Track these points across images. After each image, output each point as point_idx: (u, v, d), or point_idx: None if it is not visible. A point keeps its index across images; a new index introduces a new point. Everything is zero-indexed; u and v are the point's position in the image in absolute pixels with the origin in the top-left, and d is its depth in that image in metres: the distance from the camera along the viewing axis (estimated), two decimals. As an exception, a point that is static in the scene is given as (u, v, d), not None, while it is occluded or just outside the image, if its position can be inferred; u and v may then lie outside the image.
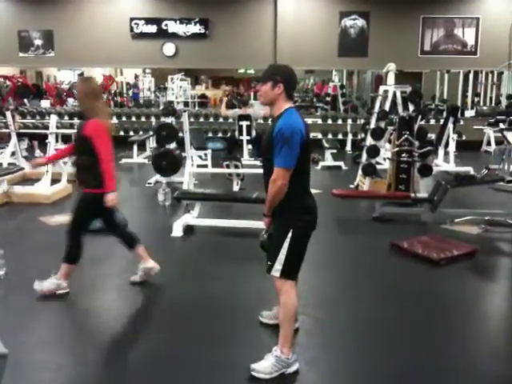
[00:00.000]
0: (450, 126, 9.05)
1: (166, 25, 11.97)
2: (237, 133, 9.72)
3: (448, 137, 9.10)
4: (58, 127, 8.56)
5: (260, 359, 2.74)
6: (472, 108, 12.99)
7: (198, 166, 8.53)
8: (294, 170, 2.58)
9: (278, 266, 2.67)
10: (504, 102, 13.46)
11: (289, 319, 2.73)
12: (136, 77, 15.58)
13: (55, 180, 6.85)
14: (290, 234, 2.64)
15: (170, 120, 8.25)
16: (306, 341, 3.13)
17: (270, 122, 6.79)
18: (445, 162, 9.11)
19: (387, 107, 7.05)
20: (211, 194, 5.71)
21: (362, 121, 9.86)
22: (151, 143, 10.55)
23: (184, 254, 4.81)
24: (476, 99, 13.88)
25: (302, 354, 2.91)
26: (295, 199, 2.65)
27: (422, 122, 6.91)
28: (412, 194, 6.01)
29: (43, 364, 2.84)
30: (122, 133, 11.72)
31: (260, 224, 4.82)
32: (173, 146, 7.97)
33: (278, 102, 2.66)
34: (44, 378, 2.73)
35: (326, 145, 9.85)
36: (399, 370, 2.84)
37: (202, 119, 11.94)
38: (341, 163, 9.39)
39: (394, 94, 6.92)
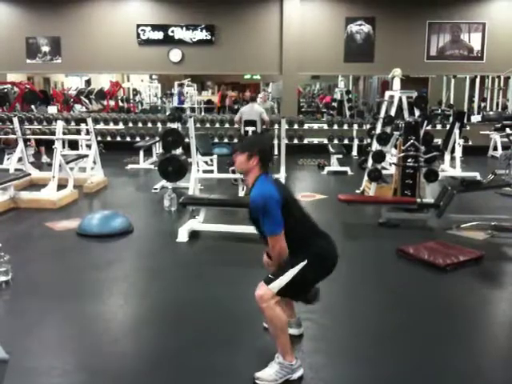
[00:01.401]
0: (457, 131, 9.02)
1: (173, 31, 12.04)
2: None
3: (454, 142, 9.07)
4: (64, 133, 8.61)
5: (264, 366, 2.73)
6: (478, 113, 12.96)
7: (204, 172, 8.55)
8: (286, 229, 2.66)
9: (278, 285, 2.67)
10: (511, 107, 13.43)
11: (281, 329, 2.71)
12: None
13: (61, 185, 6.88)
14: (302, 263, 2.68)
15: (176, 126, 8.27)
16: (311, 346, 3.12)
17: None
18: (451, 168, 9.07)
19: (393, 112, 7.04)
20: (217, 200, 5.71)
21: (368, 126, 9.85)
22: (157, 149, 10.59)
23: (189, 259, 4.82)
24: (482, 104, 13.87)
25: (307, 359, 2.90)
26: (302, 249, 2.72)
27: (428, 127, 6.89)
28: (418, 200, 5.99)
29: (49, 370, 2.84)
30: (128, 138, 11.79)
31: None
32: (179, 151, 7.99)
33: (252, 171, 2.76)
34: (50, 383, 2.73)
35: (332, 150, 9.84)
36: (404, 376, 2.82)
37: (208, 125, 11.97)
38: (347, 168, 9.38)
39: (400, 100, 6.91)
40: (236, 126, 10.69)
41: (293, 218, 2.70)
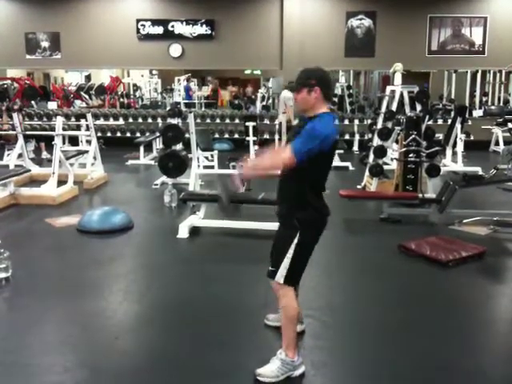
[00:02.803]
0: (458, 125, 8.99)
1: (173, 26, 11.98)
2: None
3: (456, 137, 9.03)
4: (64, 129, 8.58)
5: (266, 362, 2.71)
6: (480, 108, 12.89)
7: (205, 167, 8.52)
8: (308, 172, 2.54)
9: (283, 272, 2.63)
10: (512, 101, 13.38)
11: (291, 321, 2.70)
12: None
13: (62, 182, 6.85)
14: (296, 240, 2.60)
15: (176, 121, 8.24)
16: (313, 343, 3.10)
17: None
18: (453, 162, 9.04)
19: (394, 107, 7.01)
20: (217, 196, 5.67)
21: (369, 121, 9.81)
22: (158, 144, 10.56)
23: (190, 256, 4.80)
24: (484, 99, 13.80)
25: (309, 356, 2.88)
26: (306, 202, 2.62)
27: (430, 122, 6.86)
28: (420, 195, 5.96)
29: (49, 367, 2.82)
30: (128, 134, 11.77)
31: (267, 225, 4.83)
32: (179, 147, 7.96)
33: (316, 105, 2.59)
34: (51, 381, 2.72)
35: (336, 151, 9.79)
36: (407, 373, 2.80)
37: (208, 120, 11.94)
38: (348, 164, 9.35)
39: (401, 94, 6.87)
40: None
41: (320, 169, 2.60)
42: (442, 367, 2.83)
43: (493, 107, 12.78)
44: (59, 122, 7.15)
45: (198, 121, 11.30)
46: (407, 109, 6.73)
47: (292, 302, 2.69)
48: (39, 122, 11.31)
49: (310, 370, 2.76)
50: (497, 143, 10.96)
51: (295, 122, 9.40)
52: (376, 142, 7.20)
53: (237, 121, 11.86)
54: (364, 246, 5.05)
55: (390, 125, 7.08)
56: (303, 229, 2.61)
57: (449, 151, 9.12)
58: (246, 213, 5.79)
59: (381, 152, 6.88)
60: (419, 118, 6.29)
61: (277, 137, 8.65)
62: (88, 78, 16.68)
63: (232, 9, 11.90)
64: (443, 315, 3.52)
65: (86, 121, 8.42)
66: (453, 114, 10.20)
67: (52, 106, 12.15)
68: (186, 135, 7.64)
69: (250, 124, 9.52)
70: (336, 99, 14.71)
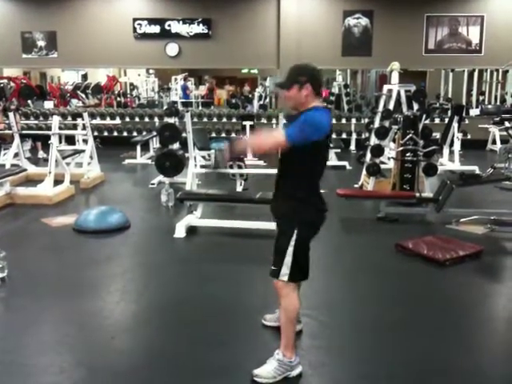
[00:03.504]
0: (455, 124, 8.99)
1: (169, 25, 11.95)
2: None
3: (453, 136, 9.04)
4: (61, 128, 8.55)
5: (263, 363, 2.70)
6: (477, 107, 12.92)
7: (202, 167, 8.51)
8: (304, 167, 2.56)
9: (286, 270, 2.62)
10: (509, 100, 13.41)
11: (290, 321, 2.69)
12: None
13: (58, 181, 6.83)
14: (294, 237, 2.59)
15: (173, 120, 8.22)
16: (310, 343, 3.10)
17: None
18: (450, 161, 9.04)
19: (391, 106, 7.01)
20: (214, 195, 5.67)
21: (366, 120, 9.82)
22: (154, 144, 10.55)
23: (187, 255, 4.78)
24: (481, 98, 13.82)
25: (306, 356, 2.87)
26: (303, 197, 2.62)
27: (427, 121, 6.86)
28: (417, 194, 5.96)
29: (46, 367, 2.81)
30: (125, 133, 11.74)
31: (264, 225, 4.83)
32: (176, 146, 7.94)
33: (307, 101, 2.59)
34: (48, 381, 2.70)
35: (330, 144, 9.79)
36: (404, 372, 2.79)
37: (205, 119, 11.93)
38: (345, 163, 9.34)
39: (399, 93, 6.88)
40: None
41: (313, 161, 2.60)
42: (439, 366, 2.83)
43: (490, 106, 12.82)
44: (55, 121, 7.12)
45: (195, 120, 11.30)
46: (404, 108, 6.73)
47: (294, 301, 2.68)
48: (35, 122, 11.27)
49: (308, 370, 2.75)
50: (494, 142, 10.97)
51: None
52: (373, 141, 7.20)
53: (234, 120, 11.85)
54: (361, 245, 5.04)
55: (387, 124, 7.09)
56: (301, 226, 2.61)
57: (446, 150, 9.12)
58: (243, 212, 5.81)
59: (378, 151, 6.88)
60: (416, 117, 6.29)
61: None
62: (84, 77, 16.63)
63: (229, 8, 11.88)
64: (440, 314, 3.52)
65: (83, 120, 8.40)
66: (450, 112, 10.23)
67: (48, 105, 12.11)
68: (183, 134, 7.63)
69: (247, 123, 9.54)
70: (333, 98, 14.75)
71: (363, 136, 10.52)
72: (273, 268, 2.68)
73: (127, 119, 11.94)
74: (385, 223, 5.68)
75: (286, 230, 2.65)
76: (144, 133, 11.38)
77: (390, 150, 7.26)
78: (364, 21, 11.76)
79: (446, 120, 9.76)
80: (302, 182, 2.63)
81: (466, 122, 10.51)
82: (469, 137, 10.64)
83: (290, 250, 2.60)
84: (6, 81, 12.99)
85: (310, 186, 2.66)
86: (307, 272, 2.74)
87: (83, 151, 8.29)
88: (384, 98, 7.38)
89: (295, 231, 2.60)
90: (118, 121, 11.53)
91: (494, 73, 13.69)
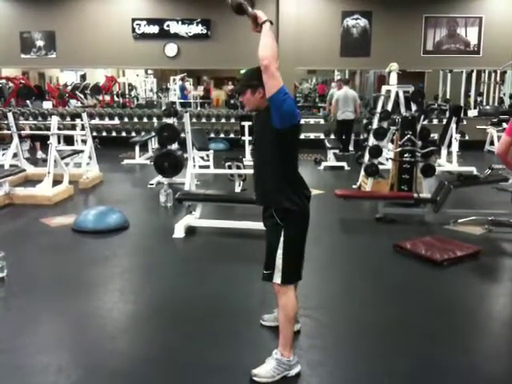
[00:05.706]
0: (453, 125, 9.00)
1: (168, 25, 11.95)
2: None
3: (451, 137, 9.05)
4: (60, 128, 8.56)
5: (262, 362, 2.71)
6: (475, 108, 12.95)
7: (200, 167, 8.52)
8: (284, 153, 2.57)
9: (278, 273, 2.64)
10: (507, 101, 13.44)
11: (289, 321, 2.70)
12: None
13: (57, 181, 6.84)
14: (282, 238, 2.60)
15: (171, 121, 8.23)
16: (308, 343, 3.11)
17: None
18: (448, 162, 9.06)
19: (390, 107, 7.02)
20: (213, 195, 5.69)
21: (365, 121, 9.83)
22: (153, 144, 10.55)
23: (185, 255, 4.80)
24: (479, 99, 13.85)
25: (304, 356, 2.88)
26: (284, 186, 2.62)
27: (425, 122, 6.87)
28: (415, 195, 5.97)
29: (44, 367, 2.81)
30: (124, 133, 11.74)
31: (263, 225, 4.83)
32: (175, 146, 7.95)
33: (262, 103, 2.63)
34: (46, 381, 2.71)
35: (329, 145, 9.82)
36: (402, 372, 2.81)
37: (204, 120, 11.94)
38: (343, 163, 9.36)
39: (397, 94, 6.89)
40: (327, 110, 11.46)
41: (292, 145, 2.62)
42: (437, 366, 2.84)
43: (487, 107, 12.84)
44: (54, 121, 7.13)
45: (194, 120, 11.30)
46: (402, 109, 6.74)
47: (292, 301, 2.69)
48: (34, 122, 11.27)
49: (306, 370, 2.77)
50: (491, 143, 10.98)
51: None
52: (371, 141, 7.21)
53: (232, 120, 11.87)
54: (359, 245, 5.06)
55: (385, 125, 7.10)
56: (286, 223, 2.61)
57: (444, 151, 9.14)
58: (241, 212, 5.81)
59: (376, 152, 6.89)
60: (414, 118, 6.30)
61: None
62: (83, 77, 16.63)
63: (228, 8, 11.72)
64: (438, 314, 3.53)
65: (81, 120, 8.40)
66: (448, 113, 10.24)
67: (47, 105, 12.11)
68: (182, 135, 7.64)
69: (246, 123, 9.54)
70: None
71: (361, 137, 10.54)
72: (264, 272, 2.70)
73: (126, 119, 11.94)
74: (383, 224, 5.70)
75: (273, 232, 2.65)
76: (143, 133, 11.40)
77: (389, 150, 7.28)
78: (362, 21, 11.78)
79: (444, 121, 9.78)
80: (281, 170, 2.61)
81: (464, 122, 10.56)
82: (467, 138, 10.69)
83: (280, 252, 2.61)
84: (4, 81, 13.00)
85: (290, 173, 2.66)
86: (300, 273, 2.75)
87: (82, 151, 8.30)
88: (382, 99, 7.40)
89: (282, 231, 2.60)
90: (116, 121, 11.54)
91: (492, 74, 13.73)
